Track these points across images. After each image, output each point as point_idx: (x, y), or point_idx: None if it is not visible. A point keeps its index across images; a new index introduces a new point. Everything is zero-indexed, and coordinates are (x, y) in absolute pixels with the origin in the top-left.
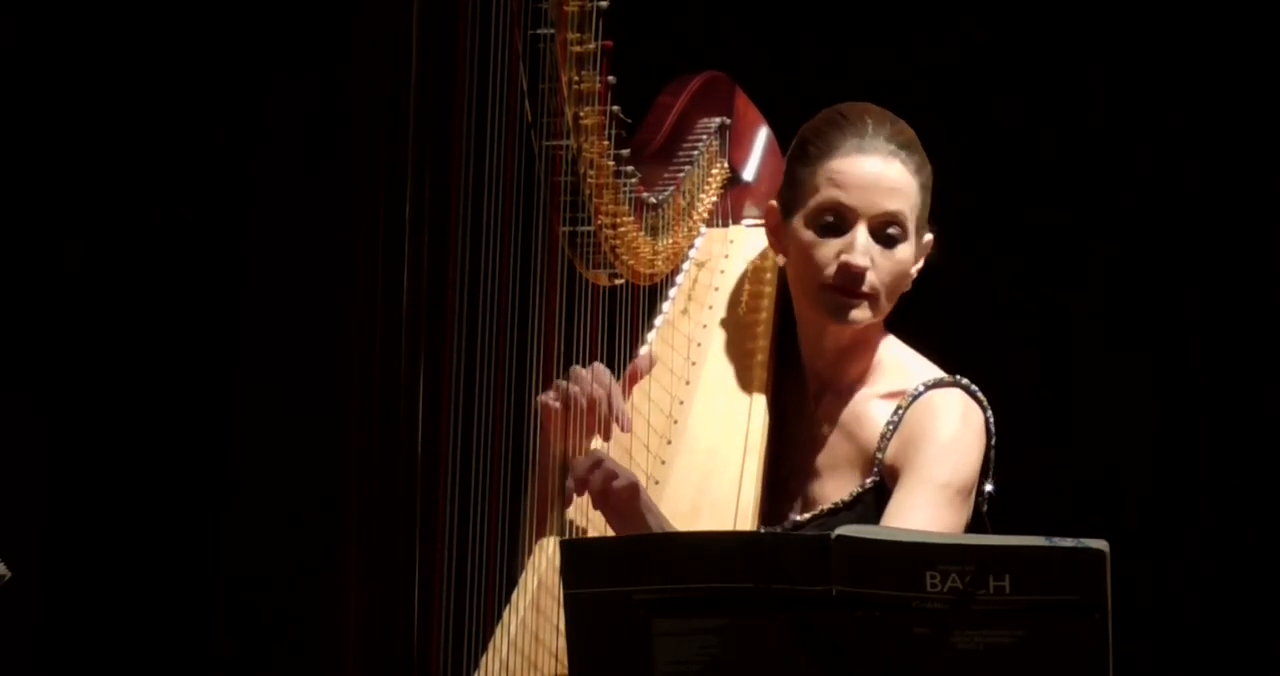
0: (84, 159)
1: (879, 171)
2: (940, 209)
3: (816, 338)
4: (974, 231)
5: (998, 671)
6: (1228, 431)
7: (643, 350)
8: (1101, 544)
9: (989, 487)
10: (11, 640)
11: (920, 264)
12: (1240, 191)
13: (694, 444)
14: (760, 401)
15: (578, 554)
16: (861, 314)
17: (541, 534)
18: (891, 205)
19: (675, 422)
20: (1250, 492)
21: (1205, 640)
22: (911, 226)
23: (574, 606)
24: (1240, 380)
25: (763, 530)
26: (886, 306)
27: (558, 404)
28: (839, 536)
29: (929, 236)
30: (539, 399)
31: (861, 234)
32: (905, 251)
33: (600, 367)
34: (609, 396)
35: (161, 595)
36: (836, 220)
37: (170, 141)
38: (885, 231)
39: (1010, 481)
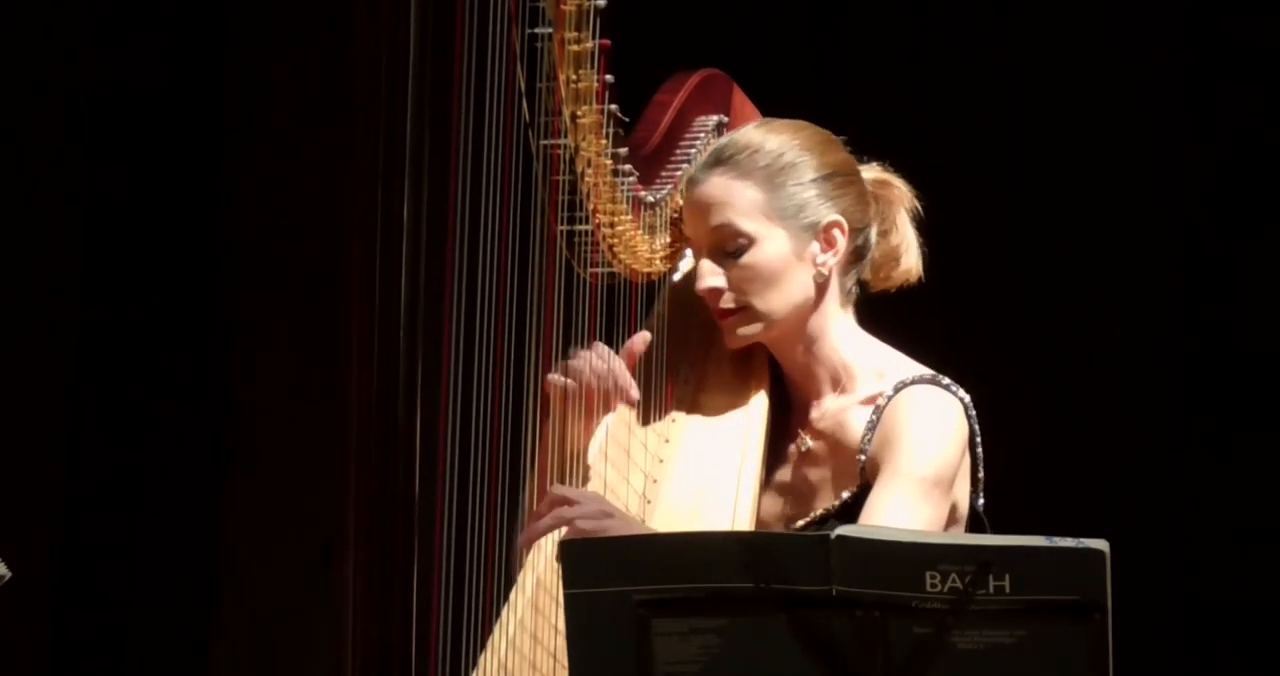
0: (82, 158)
1: (695, 197)
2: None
3: (777, 355)
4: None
5: (998, 671)
6: (1228, 429)
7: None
8: (1101, 544)
9: (980, 486)
10: (11, 640)
11: (834, 251)
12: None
13: (693, 443)
14: (760, 399)
15: (577, 554)
16: (746, 329)
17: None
18: (713, 221)
19: (674, 422)
20: (1250, 490)
21: (1205, 639)
22: (752, 226)
23: (574, 606)
24: (1239, 377)
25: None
26: (778, 310)
27: (566, 380)
28: (839, 536)
29: (832, 218)
30: (546, 378)
31: (702, 260)
32: (758, 253)
33: (601, 346)
34: (613, 371)
35: (160, 595)
36: (694, 252)
37: (169, 138)
38: (724, 248)
39: (1009, 482)
